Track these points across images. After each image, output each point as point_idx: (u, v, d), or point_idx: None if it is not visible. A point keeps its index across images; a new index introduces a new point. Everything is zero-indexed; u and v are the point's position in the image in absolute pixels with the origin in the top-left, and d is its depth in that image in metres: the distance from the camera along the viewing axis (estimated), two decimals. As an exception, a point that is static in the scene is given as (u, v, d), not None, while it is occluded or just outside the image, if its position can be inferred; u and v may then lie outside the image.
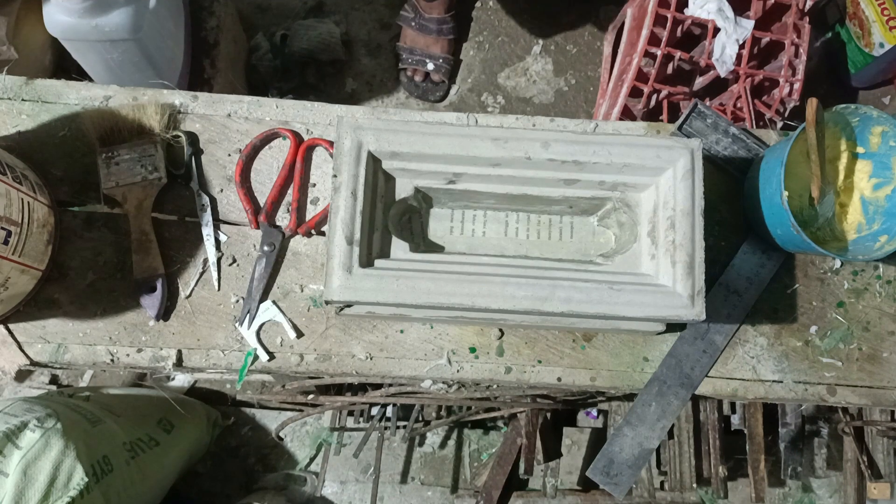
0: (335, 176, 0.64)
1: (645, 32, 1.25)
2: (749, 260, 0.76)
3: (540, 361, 0.74)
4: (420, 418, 1.18)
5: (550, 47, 1.63)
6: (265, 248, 0.74)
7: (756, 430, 1.04)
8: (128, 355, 0.73)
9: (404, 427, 1.14)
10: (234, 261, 0.74)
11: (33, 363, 0.72)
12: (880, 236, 0.70)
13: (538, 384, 0.75)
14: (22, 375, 1.30)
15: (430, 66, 1.55)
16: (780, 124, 1.29)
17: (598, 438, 1.26)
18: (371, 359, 0.73)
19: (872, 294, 0.77)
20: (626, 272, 0.66)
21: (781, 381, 0.75)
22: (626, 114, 1.35)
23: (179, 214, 0.76)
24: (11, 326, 0.72)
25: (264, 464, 1.34)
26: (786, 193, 0.66)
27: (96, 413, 0.98)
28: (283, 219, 0.76)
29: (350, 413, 1.21)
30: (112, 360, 0.73)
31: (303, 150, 0.76)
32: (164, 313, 0.73)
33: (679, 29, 1.30)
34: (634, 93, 1.30)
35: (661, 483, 1.17)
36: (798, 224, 0.66)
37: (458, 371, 0.74)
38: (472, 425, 1.34)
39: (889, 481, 1.11)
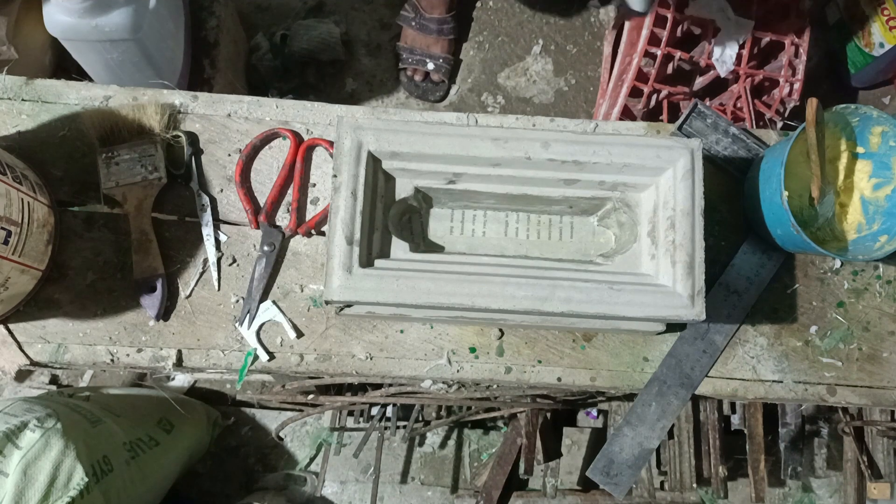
0: (335, 176, 0.64)
1: (645, 32, 1.25)
2: (749, 260, 0.76)
3: (540, 361, 0.74)
4: (420, 418, 1.18)
5: (550, 47, 1.63)
6: (265, 248, 0.74)
7: (756, 430, 1.04)
8: (128, 355, 0.73)
9: (404, 427, 1.14)
10: (234, 261, 0.74)
11: (33, 363, 0.72)
12: (880, 236, 0.70)
13: (538, 384, 0.75)
14: (22, 375, 1.30)
15: (430, 66, 1.55)
16: (780, 124, 1.29)
17: (598, 438, 1.26)
18: (371, 359, 0.73)
19: (872, 294, 0.77)
20: (626, 272, 0.66)
21: (781, 381, 0.75)
22: (626, 114, 1.35)
23: (179, 214, 0.76)
24: (11, 326, 0.72)
25: (264, 464, 1.34)
26: (786, 193, 0.66)
27: (96, 413, 0.98)
28: (283, 219, 0.76)
29: (350, 413, 1.21)
30: (112, 360, 0.73)
31: (303, 150, 0.76)
32: (164, 313, 0.73)
33: (679, 29, 1.31)
34: (634, 93, 1.30)
35: (661, 483, 1.17)
36: (798, 224, 0.66)
37: (458, 371, 0.74)
38: (472, 425, 1.34)
39: (889, 481, 1.11)
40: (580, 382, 0.74)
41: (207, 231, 0.74)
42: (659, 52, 1.24)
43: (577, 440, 1.26)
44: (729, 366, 0.75)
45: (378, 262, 0.65)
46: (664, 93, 1.29)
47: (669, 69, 1.33)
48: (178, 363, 0.72)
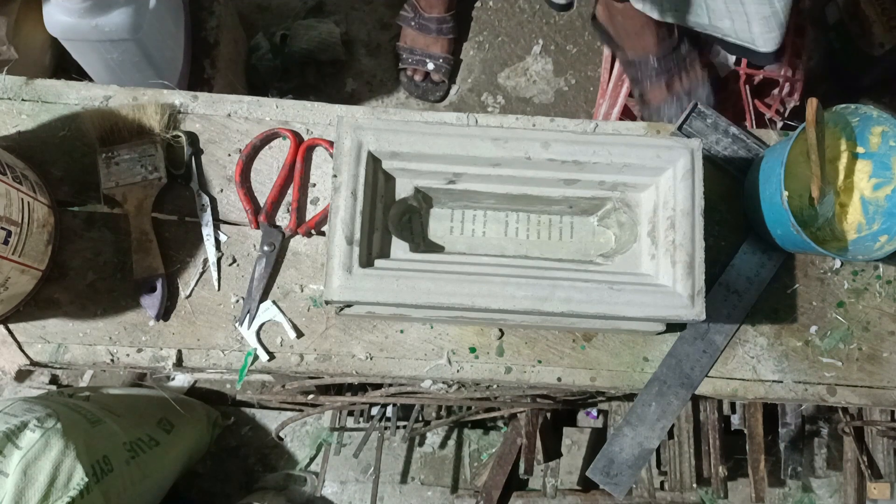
0: (335, 176, 0.64)
1: (645, 32, 1.25)
2: (749, 260, 0.76)
3: (540, 361, 0.74)
4: (420, 418, 1.18)
5: (550, 47, 1.63)
6: (265, 248, 0.74)
7: (756, 430, 1.04)
8: (128, 355, 0.73)
9: (404, 427, 1.14)
10: (234, 261, 0.74)
11: (33, 363, 0.72)
12: (880, 236, 0.70)
13: (538, 384, 0.75)
14: (22, 375, 1.30)
15: (430, 66, 1.55)
16: (780, 124, 1.29)
17: (598, 438, 1.26)
18: (371, 359, 0.73)
19: (872, 294, 0.77)
20: (626, 272, 0.66)
21: (781, 381, 0.75)
22: (626, 114, 1.35)
23: (179, 214, 0.76)
24: (11, 326, 0.72)
25: (264, 464, 1.34)
26: (786, 193, 0.66)
27: (96, 413, 0.98)
28: (283, 219, 0.76)
29: (350, 413, 1.21)
30: (112, 360, 0.73)
31: (303, 150, 0.76)
32: (164, 313, 0.73)
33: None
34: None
35: (661, 483, 1.17)
36: (798, 224, 0.66)
37: (458, 371, 0.74)
38: (472, 425, 1.34)
39: (889, 481, 1.11)
40: (580, 382, 0.74)
41: (207, 231, 0.74)
42: (659, 52, 1.24)
43: (577, 440, 1.26)
44: (729, 366, 0.75)
45: (378, 262, 0.65)
46: (664, 93, 1.29)
47: (669, 69, 1.32)
48: (178, 363, 0.72)
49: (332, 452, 1.22)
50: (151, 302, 0.72)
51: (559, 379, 0.74)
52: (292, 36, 1.54)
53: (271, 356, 0.73)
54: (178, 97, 0.78)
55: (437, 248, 0.71)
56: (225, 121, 0.78)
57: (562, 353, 0.74)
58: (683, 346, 0.74)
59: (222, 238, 0.75)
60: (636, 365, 0.74)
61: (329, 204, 0.64)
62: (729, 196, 0.78)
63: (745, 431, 1.06)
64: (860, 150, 0.74)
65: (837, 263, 0.78)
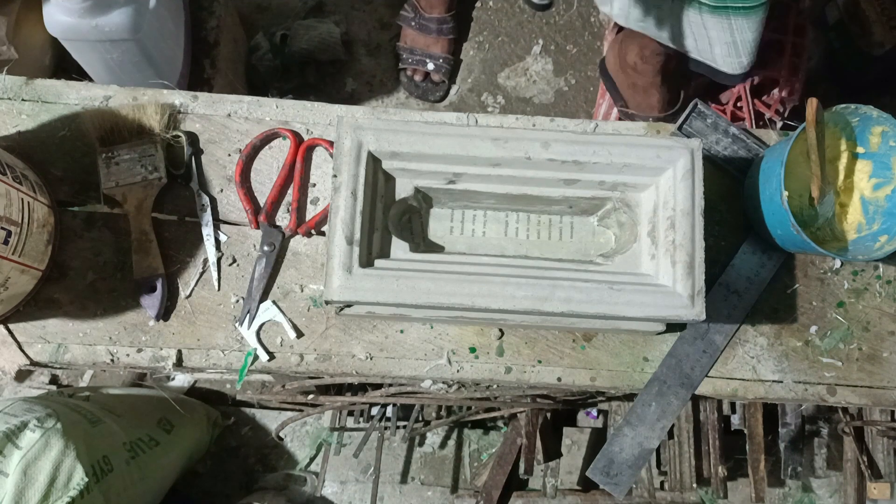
0: (335, 176, 0.64)
1: (645, 32, 1.25)
2: (749, 260, 0.76)
3: (540, 361, 0.74)
4: (420, 418, 1.18)
5: (550, 47, 1.63)
6: (265, 248, 0.74)
7: (756, 430, 1.04)
8: (128, 355, 0.73)
9: (404, 427, 1.14)
10: (234, 261, 0.74)
11: (33, 363, 0.72)
12: (880, 236, 0.70)
13: (538, 384, 0.75)
14: (22, 375, 1.30)
15: (430, 66, 1.55)
16: (780, 124, 1.29)
17: (598, 438, 1.26)
18: (371, 359, 0.73)
19: (872, 294, 0.77)
20: (626, 272, 0.66)
21: (781, 381, 0.75)
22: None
23: (179, 214, 0.76)
24: (11, 326, 0.72)
25: (264, 464, 1.34)
26: (786, 193, 0.66)
27: (96, 413, 0.98)
28: (283, 219, 0.76)
29: (350, 413, 1.21)
30: (112, 360, 0.73)
31: (303, 150, 0.76)
32: (164, 313, 0.73)
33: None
34: (634, 93, 1.29)
35: (661, 483, 1.17)
36: (798, 224, 0.66)
37: (458, 371, 0.74)
38: (472, 425, 1.34)
39: (889, 481, 1.11)
40: (580, 382, 0.74)
41: (207, 231, 0.74)
42: (659, 53, 1.24)
43: (577, 440, 1.26)
44: (729, 366, 0.75)
45: (378, 262, 0.65)
46: (664, 93, 1.29)
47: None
48: (178, 363, 0.72)
49: (332, 452, 1.22)
50: (151, 302, 0.72)
51: (559, 379, 0.74)
52: (292, 36, 1.54)
53: (271, 356, 0.73)
54: (178, 97, 0.78)
55: (437, 248, 0.71)
56: (225, 121, 0.78)
57: (562, 353, 0.74)
58: (683, 346, 0.74)
59: (222, 238, 0.75)
60: (636, 365, 0.74)
61: (329, 204, 0.64)
62: (729, 196, 0.78)
63: (745, 431, 1.06)
64: (860, 150, 0.74)
65: (837, 263, 0.78)
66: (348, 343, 0.73)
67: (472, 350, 0.74)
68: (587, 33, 1.64)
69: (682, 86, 1.30)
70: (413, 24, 1.55)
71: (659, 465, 1.15)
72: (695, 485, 1.08)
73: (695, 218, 0.64)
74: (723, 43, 0.91)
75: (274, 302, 0.74)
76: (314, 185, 0.77)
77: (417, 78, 1.57)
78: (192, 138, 0.77)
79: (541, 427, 1.02)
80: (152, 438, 1.06)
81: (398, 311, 0.69)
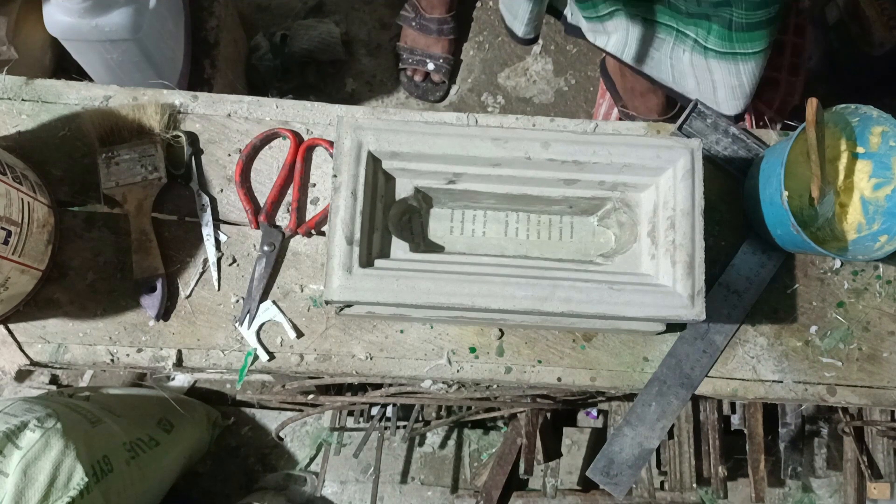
0: (335, 176, 0.64)
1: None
2: (749, 260, 0.76)
3: (540, 361, 0.74)
4: (420, 418, 1.17)
5: (550, 47, 1.63)
6: (265, 248, 0.74)
7: (756, 430, 1.04)
8: (128, 355, 0.73)
9: (404, 427, 1.14)
10: (234, 261, 0.74)
11: (33, 363, 0.72)
12: (880, 236, 0.70)
13: (538, 384, 0.75)
14: (22, 375, 1.30)
15: (431, 66, 1.55)
16: (779, 124, 1.29)
17: (598, 438, 1.26)
18: (371, 359, 0.73)
19: (872, 294, 0.77)
20: (626, 272, 0.66)
21: (781, 381, 0.75)
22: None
23: (179, 214, 0.76)
24: (11, 326, 0.72)
25: (264, 464, 1.33)
26: (786, 193, 0.66)
27: (96, 413, 0.98)
28: (283, 219, 0.76)
29: (350, 413, 1.21)
30: (112, 360, 0.73)
31: (303, 150, 0.76)
32: (164, 313, 0.73)
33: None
34: (634, 93, 1.29)
35: (661, 483, 1.16)
36: (798, 224, 0.66)
37: (458, 371, 0.74)
38: (472, 425, 1.34)
39: (889, 481, 1.11)
40: (580, 382, 0.74)
41: (207, 231, 0.75)
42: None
43: (577, 440, 1.26)
44: (729, 366, 0.75)
45: (378, 262, 0.65)
46: (664, 93, 1.29)
47: (669, 69, 1.32)
48: (178, 363, 0.72)
49: (332, 452, 1.22)
50: (151, 302, 0.72)
51: (559, 379, 0.74)
52: (292, 36, 1.54)
53: (271, 356, 0.73)
54: (178, 97, 0.78)
55: (437, 248, 0.71)
56: (225, 121, 0.78)
57: (562, 353, 0.74)
58: (683, 346, 0.74)
59: (222, 238, 0.75)
60: (636, 365, 0.74)
61: (329, 204, 0.64)
62: (729, 196, 0.78)
63: (745, 431, 1.05)
64: (860, 150, 0.74)
65: (837, 263, 0.78)
66: (348, 343, 0.73)
67: (472, 350, 0.74)
68: (587, 33, 1.63)
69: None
70: (413, 24, 1.55)
71: (659, 465, 1.15)
72: (695, 485, 1.08)
73: (695, 218, 0.64)
74: (728, 87, 0.91)
75: (274, 302, 0.74)
76: (314, 185, 0.77)
77: (417, 78, 1.57)
78: (192, 138, 0.77)
79: (541, 427, 1.02)
80: (152, 438, 1.06)
81: (398, 311, 0.69)
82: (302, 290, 0.74)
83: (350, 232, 0.63)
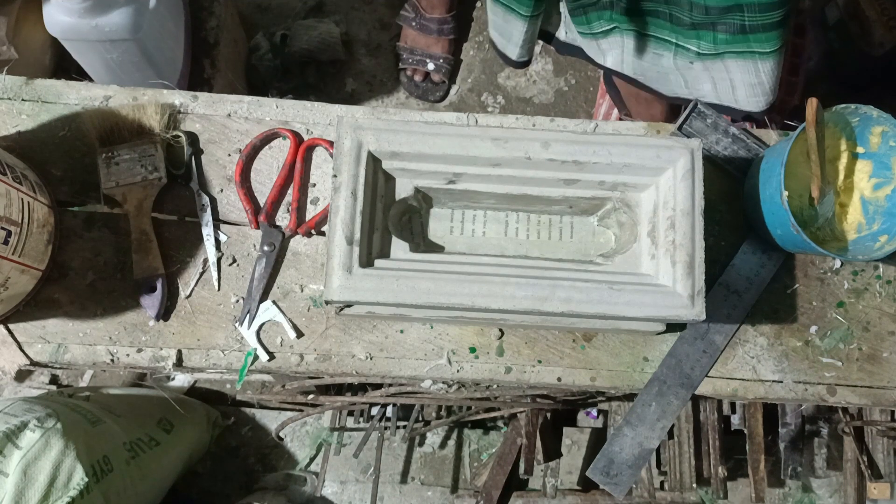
0: (335, 176, 0.64)
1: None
2: (749, 260, 0.76)
3: (540, 361, 0.74)
4: (420, 418, 1.18)
5: (550, 47, 1.63)
6: (265, 248, 0.74)
7: (756, 430, 1.04)
8: (128, 355, 0.73)
9: (404, 427, 1.14)
10: (234, 261, 0.74)
11: (33, 363, 0.72)
12: (880, 236, 0.70)
13: (538, 384, 0.75)
14: (22, 375, 1.30)
15: (431, 66, 1.55)
16: (780, 124, 1.29)
17: (598, 438, 1.26)
18: (371, 359, 0.73)
19: (872, 294, 0.77)
20: (626, 272, 0.66)
21: (781, 381, 0.75)
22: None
23: (179, 214, 0.76)
24: (11, 326, 0.72)
25: (264, 464, 1.34)
26: (786, 193, 0.66)
27: (96, 413, 0.98)
28: (283, 219, 0.76)
29: (350, 413, 1.21)
30: (112, 360, 0.73)
31: (303, 150, 0.76)
32: (164, 313, 0.73)
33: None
34: (634, 93, 1.29)
35: (661, 483, 1.16)
36: (798, 224, 0.66)
37: (458, 371, 0.74)
38: (472, 425, 1.34)
39: (889, 481, 1.11)
40: (580, 382, 0.74)
41: (207, 231, 0.74)
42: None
43: (577, 440, 1.26)
44: (729, 366, 0.75)
45: (378, 262, 0.65)
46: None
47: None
48: (178, 363, 0.72)
49: (332, 452, 1.22)
50: (151, 302, 0.72)
51: (559, 379, 0.74)
52: (292, 36, 1.54)
53: (271, 356, 0.73)
54: (178, 97, 0.78)
55: (437, 248, 0.71)
56: (225, 121, 0.78)
57: (562, 353, 0.74)
58: (683, 346, 0.74)
59: (222, 238, 0.75)
60: (636, 365, 0.74)
61: (329, 204, 0.64)
62: (729, 196, 0.78)
63: (745, 431, 1.05)
64: (860, 150, 0.74)
65: (837, 263, 0.78)
66: (348, 343, 0.73)
67: (472, 350, 0.74)
68: (587, 33, 1.63)
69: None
70: (413, 24, 1.55)
71: (659, 465, 1.15)
72: (695, 485, 1.08)
73: (695, 218, 0.64)
74: (747, 85, 0.90)
75: (274, 302, 0.74)
76: (314, 185, 0.77)
77: (417, 78, 1.57)
78: (192, 138, 0.77)
79: (541, 427, 1.02)
80: (152, 438, 1.06)
81: (398, 311, 0.69)
82: (302, 290, 0.74)
83: (350, 232, 0.63)
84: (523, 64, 1.08)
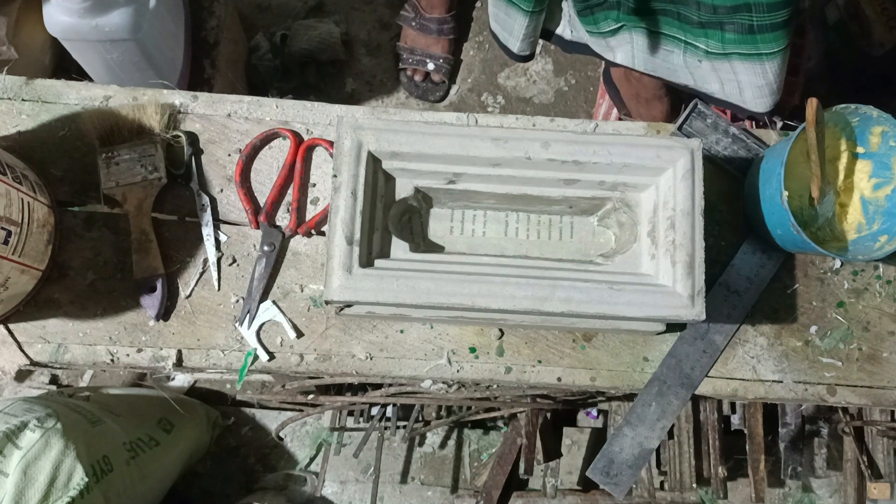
0: (335, 176, 0.64)
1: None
2: (749, 260, 0.76)
3: (540, 361, 0.74)
4: (420, 418, 1.17)
5: (550, 47, 1.63)
6: (265, 248, 0.74)
7: (756, 430, 1.04)
8: (128, 355, 0.73)
9: (404, 427, 1.14)
10: (234, 261, 0.74)
11: (33, 363, 0.72)
12: (880, 236, 0.70)
13: (538, 384, 0.75)
14: (22, 375, 1.30)
15: (431, 66, 1.55)
16: (780, 124, 1.29)
17: (598, 438, 1.26)
18: (371, 359, 0.73)
19: (872, 294, 0.77)
20: (626, 272, 0.66)
21: (781, 381, 0.75)
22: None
23: (179, 214, 0.76)
24: (11, 326, 0.72)
25: (264, 464, 1.34)
26: (786, 193, 0.66)
27: (96, 413, 0.98)
28: (283, 219, 0.76)
29: (350, 413, 1.21)
30: (112, 360, 0.73)
31: (303, 150, 0.76)
32: (164, 313, 0.73)
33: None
34: (634, 93, 1.29)
35: (661, 483, 1.16)
36: (798, 224, 0.66)
37: (458, 371, 0.74)
38: (472, 425, 1.34)
39: (889, 481, 1.11)
40: (580, 382, 0.74)
41: (207, 231, 0.74)
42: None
43: (577, 440, 1.26)
44: (729, 366, 0.75)
45: (378, 262, 0.65)
46: (664, 93, 1.29)
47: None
48: (178, 363, 0.72)
49: (332, 452, 1.22)
50: (151, 302, 0.72)
51: (559, 379, 0.74)
52: (292, 36, 1.54)
53: (271, 356, 0.73)
54: (178, 97, 0.78)
55: (437, 248, 0.71)
56: (225, 121, 0.78)
57: (562, 353, 0.74)
58: (683, 346, 0.74)
59: (222, 238, 0.75)
60: (636, 365, 0.74)
61: (329, 204, 0.64)
62: (729, 196, 0.78)
63: (745, 431, 1.05)
64: (860, 150, 0.74)
65: (837, 263, 0.78)
66: (348, 343, 0.73)
67: (472, 350, 0.74)
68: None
69: (683, 98, 1.30)
70: (413, 24, 1.55)
71: (659, 465, 1.15)
72: (695, 485, 1.08)
73: (695, 218, 0.64)
74: (755, 86, 0.90)
75: (274, 302, 0.74)
76: (314, 185, 0.77)
77: (417, 78, 1.57)
78: (192, 138, 0.77)
79: (541, 427, 1.02)
80: (152, 438, 1.06)
81: (398, 311, 0.69)
82: (302, 290, 0.74)
83: (350, 232, 0.63)
84: (525, 58, 1.07)
